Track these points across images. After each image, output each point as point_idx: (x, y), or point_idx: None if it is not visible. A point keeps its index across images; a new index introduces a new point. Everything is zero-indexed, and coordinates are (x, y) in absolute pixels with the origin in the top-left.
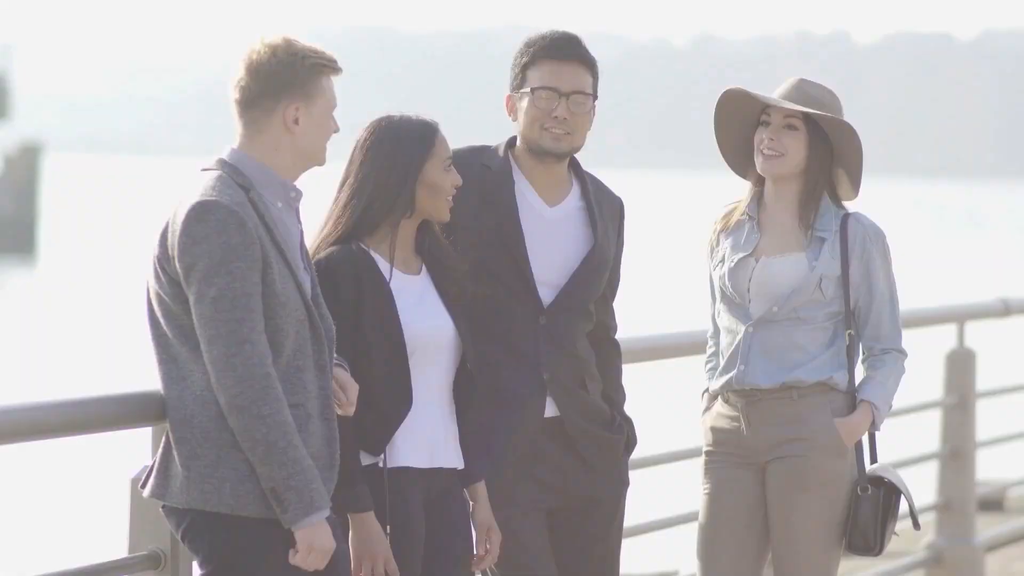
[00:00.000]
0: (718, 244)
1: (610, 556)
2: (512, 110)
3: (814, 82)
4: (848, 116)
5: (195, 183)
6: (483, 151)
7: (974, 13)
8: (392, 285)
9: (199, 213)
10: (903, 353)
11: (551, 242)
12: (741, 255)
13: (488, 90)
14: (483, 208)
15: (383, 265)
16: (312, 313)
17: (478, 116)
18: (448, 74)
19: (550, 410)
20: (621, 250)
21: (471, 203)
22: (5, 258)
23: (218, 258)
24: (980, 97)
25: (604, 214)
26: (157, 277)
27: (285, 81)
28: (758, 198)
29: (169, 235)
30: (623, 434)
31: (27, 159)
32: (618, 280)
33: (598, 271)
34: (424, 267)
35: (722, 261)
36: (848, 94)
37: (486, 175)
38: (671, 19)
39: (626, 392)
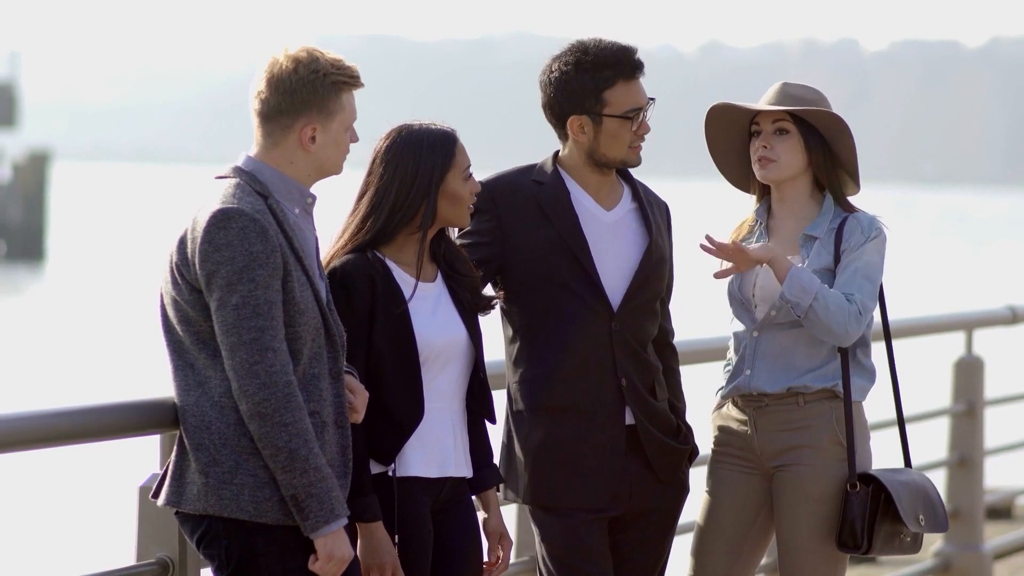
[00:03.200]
0: None
1: (661, 560)
2: (581, 132)
3: (797, 84)
4: (855, 123)
5: (212, 191)
6: (530, 169)
7: (982, 21)
8: (408, 294)
9: (221, 220)
10: (858, 305)
11: (613, 245)
12: None
13: (494, 96)
14: (542, 221)
15: (399, 274)
16: (328, 320)
17: (485, 121)
18: (455, 81)
19: (628, 418)
20: (672, 252)
21: (530, 220)
22: (14, 265)
23: (240, 265)
24: (988, 104)
25: (655, 214)
26: (175, 283)
27: (304, 100)
28: (767, 206)
29: (189, 242)
30: (689, 444)
31: (35, 167)
32: (672, 284)
33: (658, 268)
34: (440, 274)
35: None
36: (855, 102)
37: (540, 190)
38: (679, 27)
39: (686, 399)
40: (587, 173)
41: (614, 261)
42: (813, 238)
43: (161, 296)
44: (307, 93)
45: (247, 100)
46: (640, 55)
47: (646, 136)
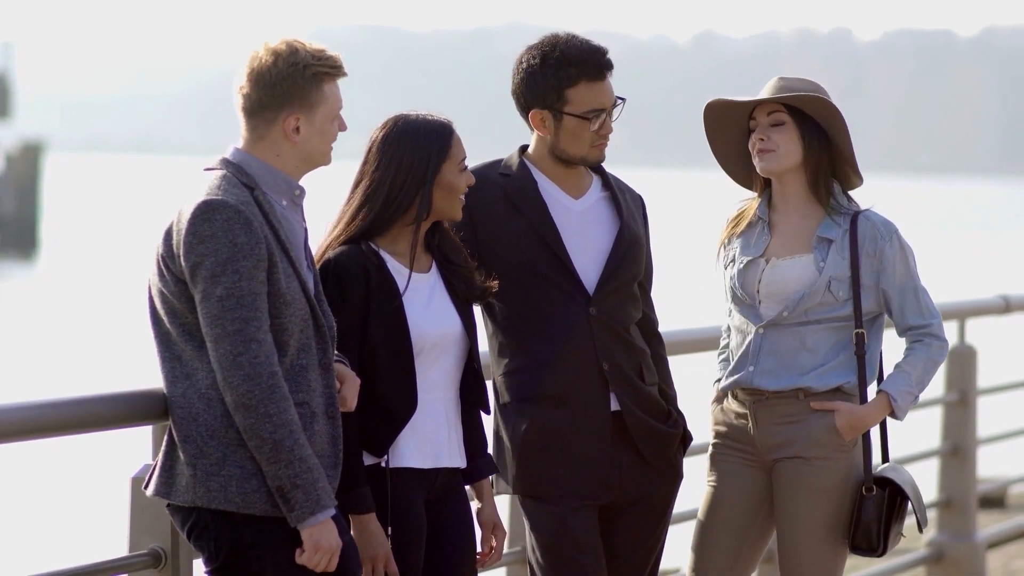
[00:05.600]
0: (729, 243)
1: (656, 548)
2: (542, 126)
3: (794, 77)
4: (850, 114)
5: (199, 183)
6: (496, 164)
7: (976, 10)
8: (402, 286)
9: (205, 212)
10: (936, 337)
11: (583, 232)
12: (751, 256)
13: (490, 87)
14: (513, 213)
15: (393, 266)
16: (316, 311)
17: (480, 113)
18: (450, 72)
19: (614, 404)
20: (649, 242)
21: (499, 212)
22: (7, 257)
23: (224, 257)
24: (982, 94)
25: (627, 201)
26: (161, 275)
27: (286, 92)
28: (768, 200)
29: (174, 234)
30: (679, 429)
31: (29, 158)
32: (652, 271)
33: (631, 250)
34: (434, 265)
35: (733, 261)
36: (849, 92)
37: (507, 182)
38: (672, 17)
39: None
40: (552, 165)
41: (586, 247)
42: (828, 240)
43: (149, 288)
44: (288, 86)
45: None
46: (632, 46)
47: (609, 135)
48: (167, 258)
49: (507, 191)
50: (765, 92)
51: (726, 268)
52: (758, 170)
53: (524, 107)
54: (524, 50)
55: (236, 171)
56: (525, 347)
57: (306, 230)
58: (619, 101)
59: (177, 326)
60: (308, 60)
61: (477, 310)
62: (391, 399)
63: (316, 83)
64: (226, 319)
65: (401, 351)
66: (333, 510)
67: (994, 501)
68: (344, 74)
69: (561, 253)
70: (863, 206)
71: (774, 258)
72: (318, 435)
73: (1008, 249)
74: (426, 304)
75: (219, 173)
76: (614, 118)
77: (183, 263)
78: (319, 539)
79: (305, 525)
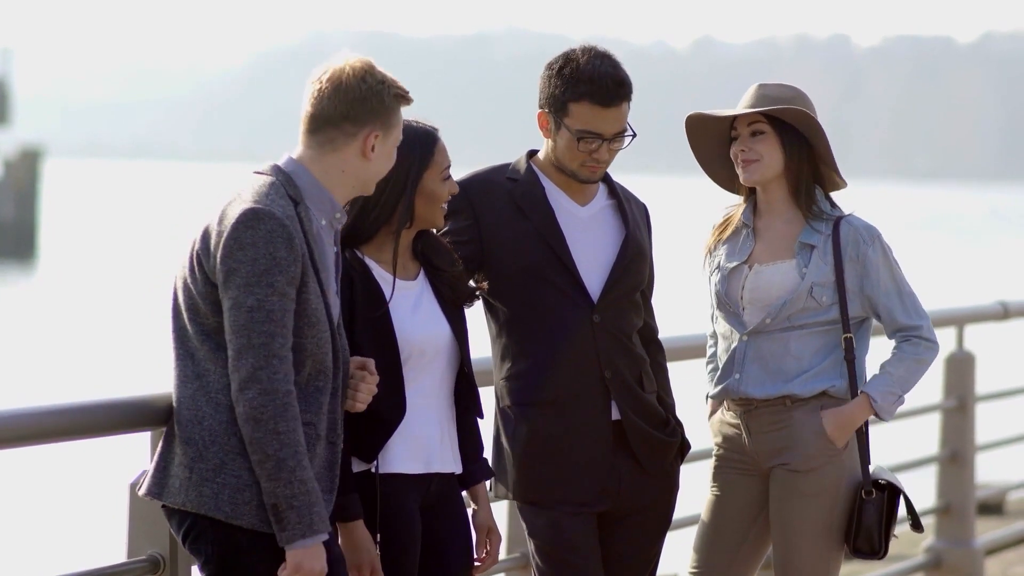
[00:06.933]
0: (715, 250)
1: (653, 559)
2: (545, 128)
3: (773, 83)
4: (848, 119)
5: (246, 184)
6: (503, 168)
7: (974, 16)
8: (388, 293)
9: (250, 220)
10: (924, 339)
11: (589, 239)
12: (735, 262)
13: (487, 92)
14: (519, 217)
15: (379, 273)
16: (336, 339)
17: (479, 118)
18: (449, 77)
19: (614, 413)
20: (651, 250)
21: (505, 215)
22: (5, 263)
23: (262, 268)
24: (980, 100)
25: (633, 210)
26: (192, 272)
27: (373, 108)
28: (753, 206)
29: (214, 234)
30: (677, 437)
31: (27, 164)
32: (654, 279)
33: (636, 259)
34: (422, 271)
35: (717, 268)
36: (848, 97)
37: (514, 186)
38: (671, 22)
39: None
40: (556, 173)
41: (591, 253)
42: (811, 246)
43: (175, 281)
44: (376, 102)
45: (299, 104)
46: (631, 52)
47: (604, 160)
48: (202, 255)
49: (514, 195)
50: (745, 101)
51: (711, 275)
52: (742, 180)
53: (539, 103)
54: (563, 51)
55: (285, 181)
56: (527, 351)
57: (339, 254)
58: (628, 134)
59: (196, 325)
60: (391, 81)
61: (480, 314)
62: (379, 405)
63: (396, 105)
64: (253, 331)
65: (388, 358)
66: (325, 535)
67: (992, 507)
68: (411, 101)
69: (566, 258)
70: (846, 211)
71: (757, 264)
72: (317, 458)
73: (1006, 255)
74: (412, 311)
75: (268, 180)
76: (621, 147)
77: (218, 265)
78: (303, 562)
79: (293, 547)
